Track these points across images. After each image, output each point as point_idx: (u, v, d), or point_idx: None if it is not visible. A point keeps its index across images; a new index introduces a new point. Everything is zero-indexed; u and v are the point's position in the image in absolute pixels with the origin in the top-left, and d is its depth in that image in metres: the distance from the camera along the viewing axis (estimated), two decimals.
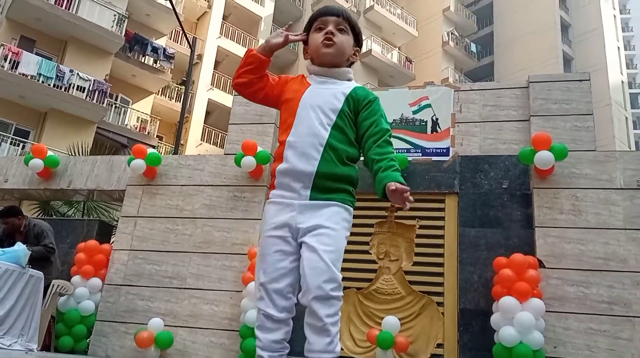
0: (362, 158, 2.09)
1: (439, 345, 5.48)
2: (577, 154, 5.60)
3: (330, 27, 1.97)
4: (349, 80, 2.04)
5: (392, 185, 1.85)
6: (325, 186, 1.88)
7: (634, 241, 5.21)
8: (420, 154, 6.21)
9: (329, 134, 1.89)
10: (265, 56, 1.98)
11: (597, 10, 32.28)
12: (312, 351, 1.76)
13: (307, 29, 2.04)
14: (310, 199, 1.87)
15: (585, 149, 5.65)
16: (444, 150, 6.17)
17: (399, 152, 6.05)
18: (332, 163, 1.89)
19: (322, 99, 1.93)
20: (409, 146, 6.25)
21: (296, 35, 2.03)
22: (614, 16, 34.15)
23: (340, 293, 1.78)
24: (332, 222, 1.84)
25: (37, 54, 16.73)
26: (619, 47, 33.16)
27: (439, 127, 6.30)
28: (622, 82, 32.13)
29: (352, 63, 2.10)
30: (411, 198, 1.86)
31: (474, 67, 32.40)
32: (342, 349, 5.65)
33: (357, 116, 1.95)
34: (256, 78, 2.01)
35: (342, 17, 2.00)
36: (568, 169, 5.58)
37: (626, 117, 31.21)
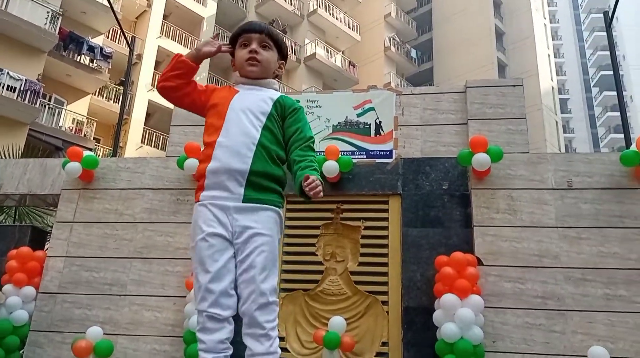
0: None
1: (384, 343, 5.57)
2: (512, 156, 5.85)
3: (254, 46, 2.04)
4: (275, 90, 2.12)
5: (307, 176, 1.86)
6: (259, 184, 1.92)
7: (565, 238, 5.50)
8: (365, 156, 6.30)
9: (260, 134, 1.96)
10: (195, 63, 2.04)
11: (529, 19, 33.94)
12: (255, 355, 1.80)
13: (233, 42, 2.11)
14: (245, 198, 1.90)
15: (519, 151, 5.92)
16: (387, 152, 6.30)
17: (343, 154, 6.12)
18: (264, 161, 1.94)
19: (251, 103, 2.01)
20: (353, 149, 6.34)
21: (226, 46, 2.07)
22: (545, 25, 36.03)
23: (277, 299, 1.86)
24: (267, 228, 1.89)
25: None
26: (549, 55, 35.01)
27: (382, 130, 6.42)
28: (553, 88, 33.92)
29: (278, 76, 2.18)
30: (320, 191, 1.87)
31: (414, 72, 33.29)
32: (288, 351, 5.65)
33: (283, 121, 2.04)
34: (183, 83, 2.05)
35: (264, 34, 2.06)
36: (504, 171, 5.83)
37: (556, 122, 32.96)
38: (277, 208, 1.98)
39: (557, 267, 5.41)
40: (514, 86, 6.26)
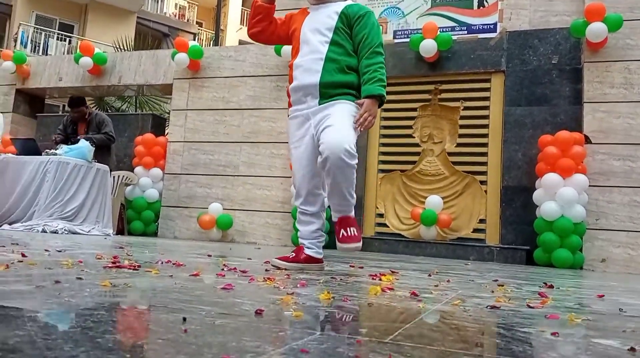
0: None
1: (481, 221, 5.72)
2: (634, 24, 5.27)
3: None
4: (343, 0, 2.23)
5: (362, 101, 2.06)
6: (329, 93, 2.10)
7: None
8: (466, 32, 5.99)
9: (327, 49, 2.11)
10: (270, 4, 2.23)
11: None
12: (334, 204, 2.13)
13: None
14: (319, 104, 2.14)
15: None
16: (491, 26, 5.93)
17: (442, 31, 5.87)
18: (333, 73, 2.09)
19: (318, 22, 2.16)
20: (453, 24, 6.03)
21: None
22: None
23: (354, 162, 2.02)
24: (338, 110, 2.08)
25: None
26: None
27: (486, 1, 5.99)
28: None
29: None
30: (371, 125, 2.08)
31: None
32: (387, 226, 6.01)
33: (351, 29, 2.14)
34: (267, 24, 2.27)
35: None
36: (622, 41, 5.30)
37: None
38: (347, 101, 2.14)
39: None
40: None
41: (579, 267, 5.06)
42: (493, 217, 5.66)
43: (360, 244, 2.07)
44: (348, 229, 2.06)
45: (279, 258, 2.21)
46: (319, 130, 2.09)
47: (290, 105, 2.27)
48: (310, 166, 2.17)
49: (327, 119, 2.06)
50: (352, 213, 2.12)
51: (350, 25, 2.15)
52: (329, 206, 2.23)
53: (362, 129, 2.07)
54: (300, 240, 2.25)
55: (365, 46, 2.11)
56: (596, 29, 5.12)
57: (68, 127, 6.09)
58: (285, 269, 2.12)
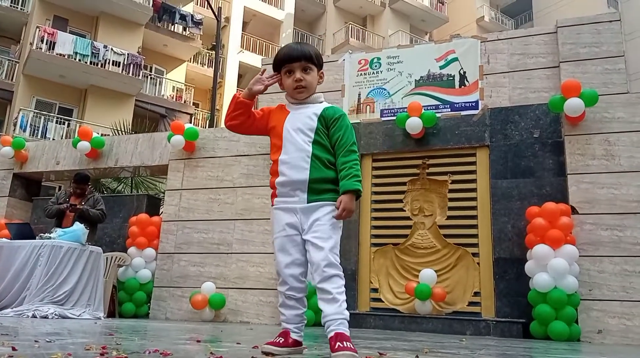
0: None
1: (476, 293, 5.70)
2: (609, 98, 5.54)
3: (298, 74, 2.37)
4: (320, 102, 2.45)
5: (337, 203, 2.24)
6: (317, 188, 2.28)
7: None
8: (449, 109, 6.25)
9: (312, 148, 2.31)
10: (250, 100, 2.43)
11: None
12: (327, 316, 2.16)
13: (277, 68, 2.44)
14: (308, 201, 2.28)
15: (617, 92, 5.58)
16: (473, 104, 6.20)
17: (427, 109, 6.12)
18: (319, 169, 2.29)
19: (300, 122, 2.36)
20: (437, 102, 6.30)
21: (273, 78, 2.43)
22: None
23: (340, 272, 2.21)
24: (326, 219, 2.26)
25: (71, 32, 17.17)
26: None
27: (467, 80, 6.30)
28: None
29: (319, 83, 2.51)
30: (350, 215, 2.23)
31: (510, 1, 30.97)
32: (382, 301, 5.96)
33: (328, 130, 2.36)
34: (245, 118, 2.45)
35: (304, 60, 2.38)
36: (600, 114, 5.54)
37: None
38: (332, 201, 2.33)
39: None
40: (610, 21, 5.82)
41: (577, 339, 5.00)
42: (487, 289, 5.65)
43: (356, 353, 2.08)
44: (344, 342, 2.09)
45: (269, 344, 2.26)
46: (308, 239, 2.25)
47: (274, 196, 2.38)
48: (296, 254, 2.28)
49: (314, 232, 2.23)
50: (348, 331, 2.16)
51: (327, 126, 2.36)
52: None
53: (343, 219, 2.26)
54: (284, 324, 2.31)
55: (341, 145, 2.31)
56: (574, 105, 5.36)
57: (60, 199, 6.24)
58: (278, 355, 2.19)
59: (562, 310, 4.92)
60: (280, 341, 2.26)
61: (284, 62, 2.40)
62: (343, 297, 2.19)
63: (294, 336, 2.28)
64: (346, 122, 2.37)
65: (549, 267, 5.00)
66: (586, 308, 5.10)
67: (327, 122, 2.35)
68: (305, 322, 2.36)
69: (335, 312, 2.14)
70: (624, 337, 4.95)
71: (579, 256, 5.11)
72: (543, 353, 3.07)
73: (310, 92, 2.40)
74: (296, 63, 2.37)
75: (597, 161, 5.48)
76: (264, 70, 2.53)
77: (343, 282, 2.23)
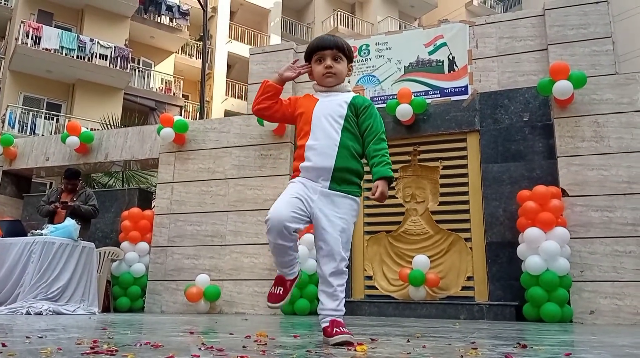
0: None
1: (469, 278, 5.74)
2: (597, 80, 5.55)
3: (329, 61, 2.41)
4: (348, 91, 2.48)
5: (374, 188, 2.24)
6: (341, 177, 2.28)
7: None
8: (439, 95, 6.25)
9: (340, 136, 2.31)
10: (280, 85, 2.44)
11: None
12: (324, 309, 2.22)
13: (308, 57, 2.49)
14: (330, 188, 2.28)
15: (605, 73, 5.59)
16: (463, 89, 6.20)
17: (417, 95, 6.12)
18: (346, 159, 2.29)
19: (330, 109, 2.37)
20: (426, 88, 6.29)
21: (304, 68, 2.48)
22: None
23: (347, 268, 2.26)
24: (345, 213, 2.27)
25: (56, 26, 16.95)
26: None
27: (455, 66, 6.29)
28: None
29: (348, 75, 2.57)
30: (384, 198, 2.25)
31: None
32: (377, 288, 5.99)
33: (357, 118, 2.38)
34: (273, 103, 2.46)
35: (335, 49, 2.42)
36: (588, 96, 5.56)
37: None
38: (355, 198, 2.36)
39: None
40: (597, 2, 5.82)
41: (569, 320, 5.05)
42: (480, 274, 5.69)
43: (352, 336, 2.14)
44: (340, 327, 2.15)
45: (273, 301, 2.37)
46: (322, 220, 2.24)
47: (296, 176, 2.37)
48: (299, 211, 2.22)
49: (334, 224, 2.23)
50: (342, 318, 2.22)
51: (357, 114, 2.38)
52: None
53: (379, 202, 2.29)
54: (278, 270, 2.38)
55: (372, 132, 2.33)
56: (562, 87, 5.37)
57: (52, 197, 6.19)
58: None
59: (554, 292, 4.97)
60: (280, 291, 2.36)
61: (316, 49, 2.44)
62: (343, 295, 2.25)
63: (289, 278, 2.38)
64: (375, 111, 2.41)
65: (541, 250, 5.04)
66: (578, 289, 5.15)
67: (357, 110, 2.37)
68: (297, 261, 2.41)
69: (333, 308, 2.21)
70: (616, 317, 5.01)
71: (570, 238, 5.15)
72: (535, 334, 3.10)
73: (339, 81, 2.43)
74: (328, 51, 2.41)
75: (587, 143, 5.50)
76: (297, 60, 2.55)
77: (346, 278, 2.29)
